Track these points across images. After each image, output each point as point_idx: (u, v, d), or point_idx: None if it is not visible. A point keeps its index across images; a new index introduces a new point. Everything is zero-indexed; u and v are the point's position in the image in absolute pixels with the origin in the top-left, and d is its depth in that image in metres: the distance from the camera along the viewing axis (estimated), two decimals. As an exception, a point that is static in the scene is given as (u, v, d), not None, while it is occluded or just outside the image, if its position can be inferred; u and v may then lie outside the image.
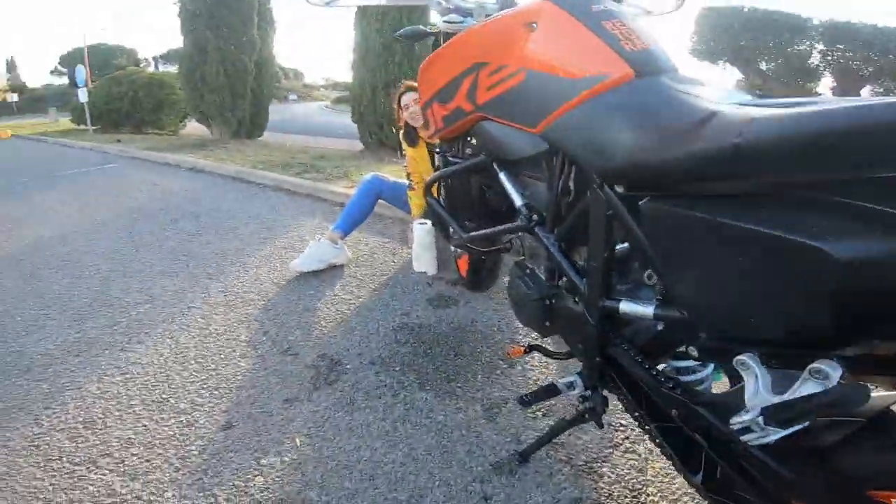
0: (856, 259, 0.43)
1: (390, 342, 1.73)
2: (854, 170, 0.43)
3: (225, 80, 7.63)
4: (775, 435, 0.58)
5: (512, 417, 1.33)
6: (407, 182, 2.40)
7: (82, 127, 12.03)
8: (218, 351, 1.70)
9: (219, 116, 7.89)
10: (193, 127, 11.19)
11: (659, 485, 1.11)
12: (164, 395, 1.46)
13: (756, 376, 0.59)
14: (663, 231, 0.65)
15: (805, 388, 0.54)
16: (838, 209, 0.45)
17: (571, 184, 0.86)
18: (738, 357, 0.61)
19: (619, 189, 0.71)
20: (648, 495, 1.09)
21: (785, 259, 0.50)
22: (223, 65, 7.57)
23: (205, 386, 1.50)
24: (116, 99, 11.47)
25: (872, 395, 0.54)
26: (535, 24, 0.85)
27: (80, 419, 1.37)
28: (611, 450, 1.21)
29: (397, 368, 1.57)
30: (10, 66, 43.41)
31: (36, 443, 1.29)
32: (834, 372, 0.51)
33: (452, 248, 2.02)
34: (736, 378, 0.77)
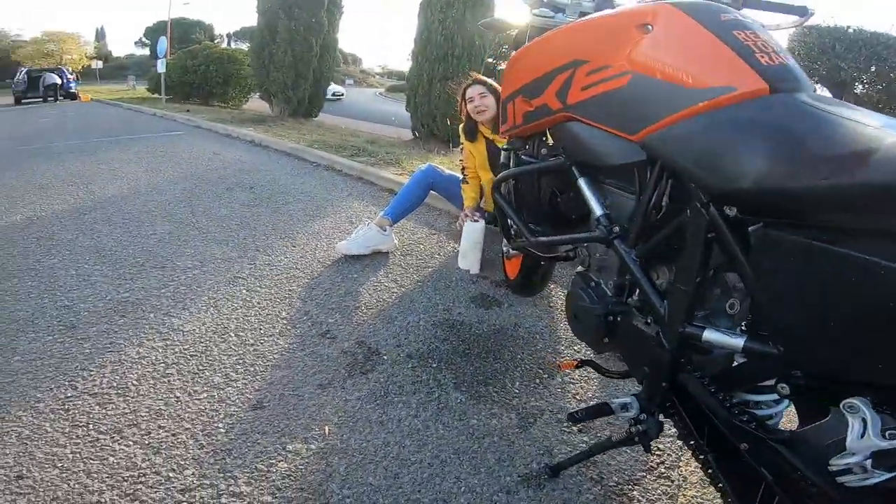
0: None
1: (430, 337, 1.68)
2: None
3: (291, 59, 7.83)
4: (878, 479, 0.58)
5: (547, 429, 1.28)
6: (461, 175, 2.35)
7: (156, 96, 12.76)
8: (258, 326, 1.69)
9: (281, 94, 8.11)
10: (254, 103, 11.63)
11: None
12: (199, 367, 1.46)
13: (865, 420, 0.57)
14: (775, 260, 0.61)
15: None
16: None
17: (666, 199, 0.81)
18: (848, 400, 0.58)
19: (729, 211, 0.66)
20: None
21: None
22: (291, 45, 7.76)
23: (241, 361, 1.49)
24: (191, 71, 12.10)
25: None
26: (650, 27, 0.80)
27: (114, 384, 1.37)
28: (644, 474, 1.16)
29: (434, 365, 1.52)
30: (99, 35, 46.60)
31: (66, 406, 1.28)
32: None
33: (504, 248, 1.94)
34: (807, 416, 0.75)
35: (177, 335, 1.62)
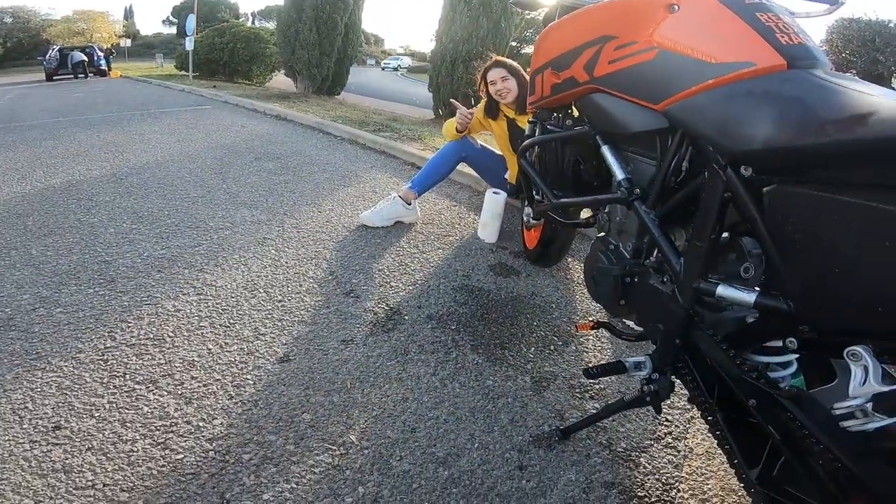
0: None
1: (449, 301, 1.73)
2: None
3: (317, 37, 7.89)
4: (878, 423, 0.62)
5: (559, 394, 1.31)
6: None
7: (183, 72, 12.94)
8: (286, 283, 1.77)
9: (306, 71, 8.18)
10: (278, 80, 11.72)
11: (692, 483, 1.09)
12: (231, 321, 1.54)
13: (866, 367, 0.60)
14: (790, 216, 0.66)
15: None
16: None
17: (685, 163, 0.86)
18: (851, 348, 0.61)
19: (745, 171, 0.71)
20: (679, 491, 1.07)
21: None
22: (316, 23, 7.81)
23: (269, 316, 1.57)
24: (218, 49, 12.25)
25: None
26: (676, 7, 0.85)
27: (151, 336, 1.44)
28: (651, 442, 1.19)
29: (453, 327, 1.57)
30: (128, 14, 47.23)
31: (105, 357, 1.34)
32: None
33: (525, 218, 1.98)
34: (815, 383, 0.80)
35: (209, 290, 1.70)
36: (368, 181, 3.17)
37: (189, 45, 11.97)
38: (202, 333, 1.46)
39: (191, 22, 12.29)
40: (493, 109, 2.26)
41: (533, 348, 1.50)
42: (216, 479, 0.99)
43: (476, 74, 2.31)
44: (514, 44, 7.42)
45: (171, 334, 1.45)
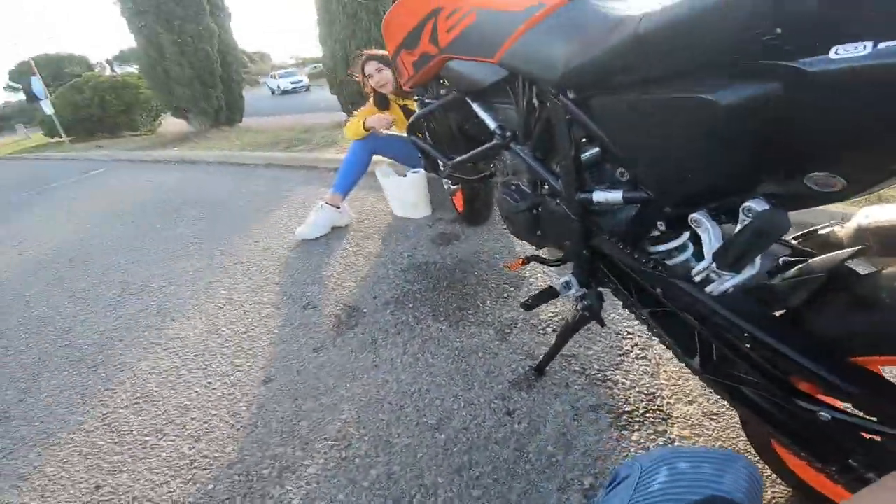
0: (735, 102, 0.53)
1: (401, 283, 1.85)
2: (721, 43, 0.51)
3: (191, 71, 7.48)
4: (731, 280, 0.66)
5: (523, 335, 1.41)
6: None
7: (57, 139, 11.84)
8: (245, 316, 1.83)
9: (195, 108, 7.79)
10: (169, 123, 11.01)
11: (672, 388, 1.15)
12: (206, 362, 1.59)
13: (708, 230, 0.66)
14: (610, 119, 0.74)
15: (741, 227, 0.61)
16: (722, 72, 0.54)
17: (534, 101, 0.95)
18: (692, 215, 0.67)
19: (571, 95, 0.80)
20: (664, 398, 1.12)
21: (689, 116, 0.60)
22: (184, 57, 7.39)
23: (240, 349, 1.63)
24: (83, 107, 11.17)
25: (829, 255, 0.60)
26: None
27: (139, 394, 1.49)
28: (621, 358, 1.26)
29: (410, 305, 1.69)
30: (-41, 88, 41.62)
31: (107, 421, 1.40)
32: (759, 206, 0.58)
33: (445, 186, 2.14)
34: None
35: (175, 343, 1.74)
36: (295, 198, 3.19)
37: (48, 109, 10.81)
38: (184, 380, 1.52)
39: (36, 84, 10.93)
40: (382, 101, 2.33)
41: (489, 301, 1.63)
42: (249, 498, 1.07)
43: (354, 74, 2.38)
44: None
45: (156, 389, 1.51)
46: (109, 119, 11.31)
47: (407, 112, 2.33)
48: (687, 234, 0.83)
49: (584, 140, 0.86)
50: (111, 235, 3.21)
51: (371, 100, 2.37)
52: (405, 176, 2.41)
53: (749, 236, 0.60)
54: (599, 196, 0.82)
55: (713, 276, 0.68)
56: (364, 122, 2.30)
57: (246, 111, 8.79)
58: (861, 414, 0.60)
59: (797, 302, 0.62)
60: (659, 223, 0.78)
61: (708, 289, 0.68)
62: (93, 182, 5.53)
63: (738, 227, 0.62)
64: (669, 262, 0.81)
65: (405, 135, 2.49)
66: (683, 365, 1.15)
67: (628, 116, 0.70)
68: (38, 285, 2.58)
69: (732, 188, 0.62)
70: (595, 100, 0.76)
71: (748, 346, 0.66)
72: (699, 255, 0.84)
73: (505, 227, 2.11)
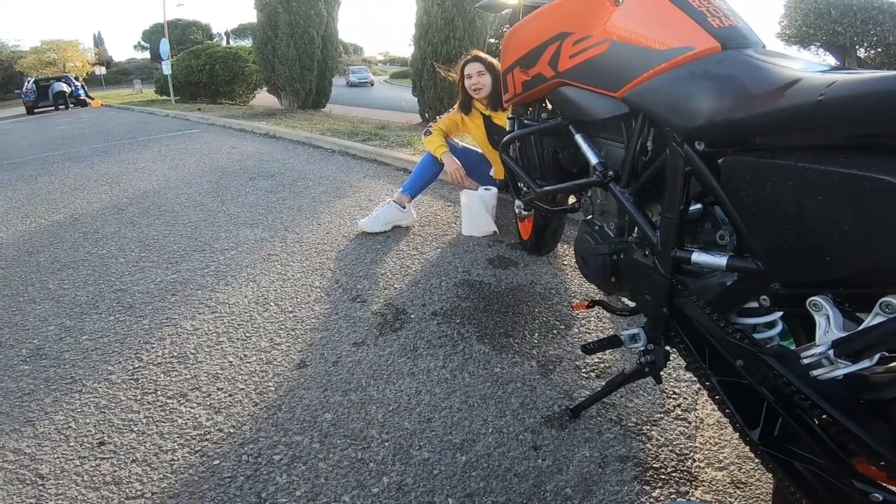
0: None
1: (452, 296, 1.81)
2: None
3: (295, 52, 7.94)
4: (844, 369, 0.62)
5: (566, 375, 1.36)
6: (429, 129, 2.44)
7: (165, 97, 12.93)
8: (295, 295, 1.85)
9: (288, 87, 8.24)
10: (262, 98, 11.73)
11: (707, 452, 1.11)
12: (247, 334, 1.61)
13: (828, 316, 0.63)
14: (742, 182, 0.70)
15: (875, 322, 0.57)
16: None
17: (649, 143, 0.92)
18: (812, 298, 0.64)
19: (699, 146, 0.76)
20: (695, 461, 1.09)
21: (859, 194, 0.55)
22: (293, 38, 7.87)
23: (283, 327, 1.64)
24: (196, 71, 12.22)
25: None
26: (620, 0, 0.93)
27: (175, 354, 1.51)
28: (661, 415, 1.22)
29: (458, 321, 1.64)
30: (98, 41, 46.59)
31: (135, 376, 1.41)
32: None
33: (516, 210, 2.07)
34: (805, 339, 0.80)
35: (223, 308, 1.78)
36: (363, 190, 3.24)
37: (167, 69, 11.93)
38: (222, 348, 1.54)
39: (164, 46, 12.21)
40: (466, 104, 2.31)
41: (537, 334, 1.56)
42: (252, 480, 1.05)
43: (448, 76, 2.39)
44: (492, 41, 7.51)
45: (193, 351, 1.53)
46: (214, 86, 12.25)
47: (489, 125, 2.30)
48: (780, 313, 0.80)
49: (694, 196, 0.82)
50: (189, 192, 3.40)
51: (458, 103, 2.36)
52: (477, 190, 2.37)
53: (885, 333, 0.57)
54: (699, 257, 0.79)
55: (825, 361, 0.65)
56: (440, 155, 2.34)
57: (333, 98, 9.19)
58: None
59: (890, 395, 0.60)
60: (763, 298, 0.74)
61: (815, 372, 0.66)
62: (185, 140, 5.95)
63: (870, 319, 0.58)
64: (759, 336, 0.78)
65: (478, 149, 2.52)
66: (725, 433, 1.14)
67: (770, 182, 0.66)
68: (112, 226, 2.76)
69: (880, 281, 0.57)
70: (729, 157, 0.72)
71: (822, 426, 0.65)
72: (785, 335, 0.84)
73: (568, 263, 2.03)
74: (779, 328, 0.82)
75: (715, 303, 0.81)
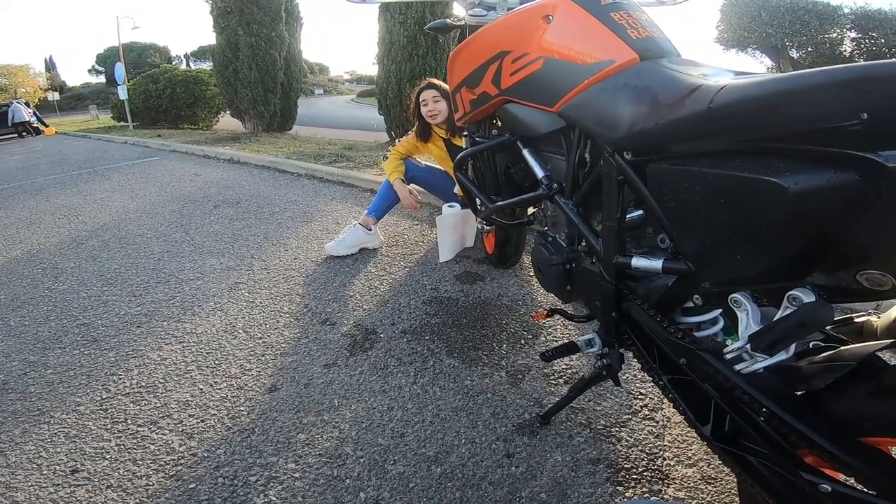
0: (805, 189, 0.51)
1: (421, 314, 1.84)
2: (800, 125, 0.51)
3: (257, 75, 7.90)
4: (763, 362, 0.65)
5: (535, 383, 1.40)
6: (386, 154, 2.50)
7: (122, 123, 12.57)
8: (263, 322, 1.85)
9: (252, 110, 8.17)
10: (225, 122, 11.55)
11: (675, 450, 1.15)
12: (216, 362, 1.60)
13: (747, 311, 0.67)
14: (665, 187, 0.73)
15: (784, 314, 0.61)
16: (793, 154, 0.54)
17: (587, 155, 0.96)
18: (733, 295, 0.68)
19: (627, 156, 0.80)
20: (665, 459, 1.12)
21: (753, 197, 0.58)
22: (254, 60, 7.83)
23: (252, 353, 1.64)
24: (154, 96, 11.92)
25: (862, 344, 0.59)
26: (551, 17, 0.96)
27: (143, 384, 1.50)
28: (629, 416, 1.26)
29: (427, 337, 1.68)
30: (49, 65, 44.73)
31: (104, 406, 1.40)
32: (806, 296, 0.58)
33: (479, 226, 2.14)
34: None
35: (191, 338, 1.76)
36: (330, 213, 3.26)
37: (122, 94, 11.56)
38: (191, 376, 1.53)
39: (119, 70, 11.79)
40: (425, 132, 2.34)
41: (505, 345, 1.61)
42: (229, 502, 1.06)
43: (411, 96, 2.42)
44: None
45: (161, 381, 1.51)
46: (174, 111, 11.98)
47: (450, 146, 2.35)
48: (720, 310, 0.83)
49: (631, 203, 0.86)
50: (151, 223, 3.33)
51: (414, 128, 2.39)
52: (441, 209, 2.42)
53: (791, 325, 0.59)
54: (638, 262, 0.82)
55: (745, 356, 0.68)
56: (393, 181, 2.39)
57: (300, 119, 9.14)
58: (861, 487, 0.60)
59: (821, 385, 0.62)
60: (696, 297, 0.78)
61: (738, 367, 0.68)
62: (145, 168, 5.81)
63: (780, 313, 0.61)
64: (697, 334, 0.81)
65: (442, 168, 2.57)
66: (692, 430, 1.13)
67: (685, 187, 0.69)
68: (72, 261, 2.69)
69: (782, 276, 0.61)
70: (652, 165, 0.76)
71: (763, 419, 0.66)
72: (727, 330, 0.86)
73: (532, 275, 2.10)
74: (720, 325, 0.84)
75: (658, 304, 0.84)
